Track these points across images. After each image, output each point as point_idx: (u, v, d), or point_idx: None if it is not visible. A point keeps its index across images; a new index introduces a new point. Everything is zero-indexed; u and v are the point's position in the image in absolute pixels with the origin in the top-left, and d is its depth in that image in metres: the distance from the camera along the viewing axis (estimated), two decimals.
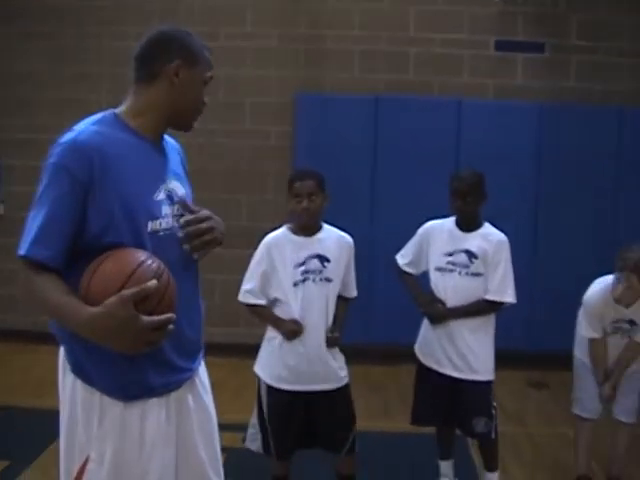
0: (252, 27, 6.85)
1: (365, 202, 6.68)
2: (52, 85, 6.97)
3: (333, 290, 3.59)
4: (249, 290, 3.60)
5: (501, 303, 3.91)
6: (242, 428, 3.79)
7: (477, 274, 3.88)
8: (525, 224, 6.67)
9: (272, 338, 3.61)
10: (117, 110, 2.19)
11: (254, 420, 3.69)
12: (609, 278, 4.03)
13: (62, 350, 2.16)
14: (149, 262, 1.97)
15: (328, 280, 3.57)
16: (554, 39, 7.03)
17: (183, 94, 2.18)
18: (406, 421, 4.12)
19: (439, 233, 3.99)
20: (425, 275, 4.10)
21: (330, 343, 3.57)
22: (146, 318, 1.89)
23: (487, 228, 3.97)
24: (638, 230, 6.57)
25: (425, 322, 4.04)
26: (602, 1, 7.00)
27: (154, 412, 2.12)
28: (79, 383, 2.09)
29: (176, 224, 2.18)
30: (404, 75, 6.96)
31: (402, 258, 4.13)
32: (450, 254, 3.91)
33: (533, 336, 6.65)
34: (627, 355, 4.04)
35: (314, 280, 3.54)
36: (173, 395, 2.18)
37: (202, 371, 2.35)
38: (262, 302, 3.59)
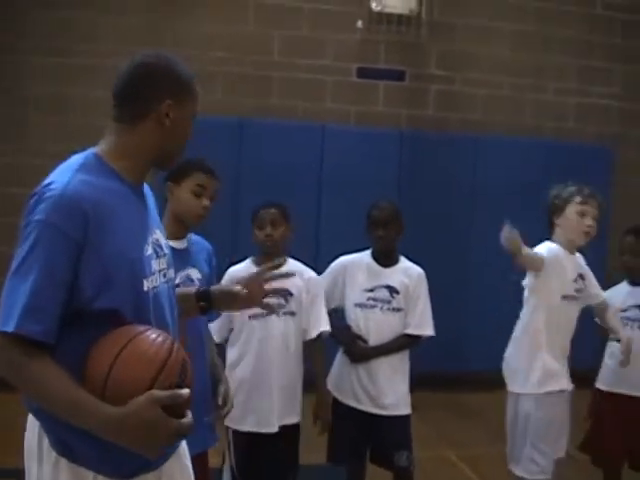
0: (106, 45, 6.63)
1: (226, 226, 6.62)
2: None
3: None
4: None
5: (420, 336, 3.91)
6: None
7: (398, 309, 3.84)
8: None
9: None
10: (98, 150, 1.93)
11: None
12: None
13: (34, 424, 1.88)
14: (175, 351, 1.78)
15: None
16: (414, 68, 7.24)
17: (173, 135, 1.95)
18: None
19: (357, 268, 3.91)
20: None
21: None
22: (176, 422, 1.71)
23: (405, 262, 3.95)
24: (491, 252, 6.80)
25: (341, 358, 3.93)
26: (461, 33, 7.28)
27: None
28: (64, 463, 1.82)
29: (163, 279, 1.99)
30: (268, 99, 6.99)
31: None
32: (371, 290, 3.85)
33: None
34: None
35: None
36: (165, 465, 1.98)
37: None
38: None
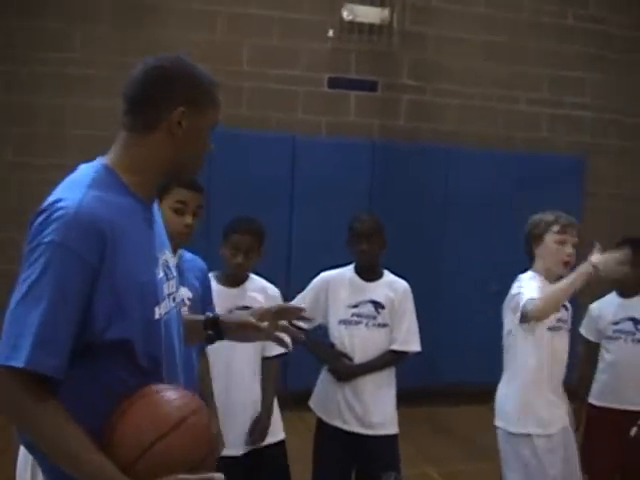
0: (66, 54, 6.43)
1: (197, 239, 6.48)
2: None
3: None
4: None
5: (407, 352, 3.79)
6: None
7: (383, 325, 3.72)
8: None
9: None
10: (107, 161, 1.77)
11: None
12: None
13: (26, 457, 1.75)
14: (212, 428, 1.68)
15: None
16: (386, 78, 7.18)
17: (186, 145, 1.78)
18: None
19: (340, 284, 3.77)
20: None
21: None
22: None
23: (389, 276, 3.82)
24: (464, 263, 6.82)
25: (326, 377, 3.81)
26: (432, 43, 7.26)
27: None
28: None
29: (173, 303, 1.84)
30: (238, 109, 6.87)
31: None
32: (355, 306, 3.72)
33: None
34: None
35: None
36: None
37: None
38: None
